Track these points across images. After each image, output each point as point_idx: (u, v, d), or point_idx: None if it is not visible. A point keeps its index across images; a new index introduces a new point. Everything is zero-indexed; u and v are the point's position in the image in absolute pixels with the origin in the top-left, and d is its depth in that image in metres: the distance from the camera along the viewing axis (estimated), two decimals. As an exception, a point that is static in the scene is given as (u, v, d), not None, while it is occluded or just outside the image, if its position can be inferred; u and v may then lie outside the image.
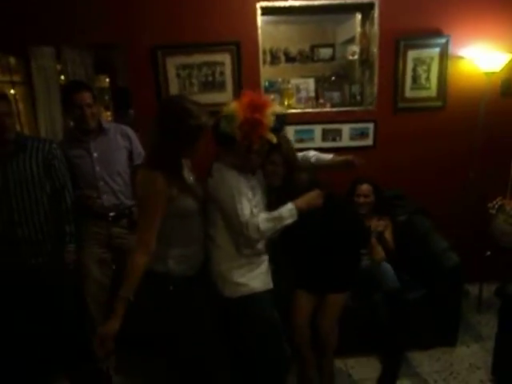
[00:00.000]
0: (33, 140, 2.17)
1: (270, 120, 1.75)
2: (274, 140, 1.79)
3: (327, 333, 2.20)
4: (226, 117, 1.75)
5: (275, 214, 1.81)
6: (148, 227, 1.61)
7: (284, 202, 1.86)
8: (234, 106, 1.75)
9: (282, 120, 1.87)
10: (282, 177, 1.98)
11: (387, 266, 2.49)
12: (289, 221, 1.81)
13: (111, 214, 2.28)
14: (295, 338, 2.19)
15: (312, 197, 1.90)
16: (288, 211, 1.81)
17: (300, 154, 2.08)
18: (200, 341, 1.79)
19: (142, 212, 1.66)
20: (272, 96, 3.06)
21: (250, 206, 1.79)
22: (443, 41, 2.93)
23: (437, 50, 2.95)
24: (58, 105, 2.82)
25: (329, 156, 2.05)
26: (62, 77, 2.94)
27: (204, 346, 1.81)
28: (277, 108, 1.84)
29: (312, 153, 2.10)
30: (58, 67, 2.92)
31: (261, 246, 1.90)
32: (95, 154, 2.24)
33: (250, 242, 1.82)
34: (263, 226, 1.76)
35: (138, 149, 2.38)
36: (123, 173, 2.31)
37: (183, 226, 1.74)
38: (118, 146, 2.32)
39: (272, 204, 1.94)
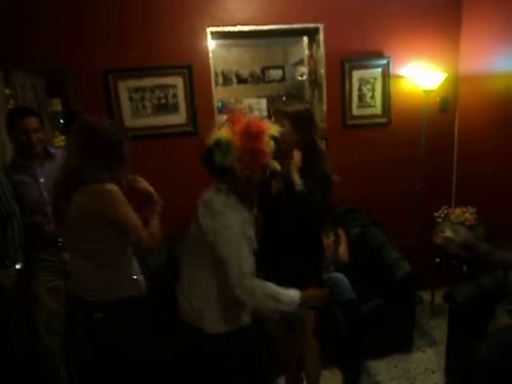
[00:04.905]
0: None
1: (270, 146, 1.58)
2: (278, 168, 1.63)
3: (302, 348, 2.11)
4: (219, 147, 1.57)
5: (275, 292, 1.62)
6: (137, 222, 1.65)
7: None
8: (225, 134, 1.57)
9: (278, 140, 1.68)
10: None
11: (342, 277, 2.56)
12: (284, 308, 1.65)
13: (61, 239, 2.23)
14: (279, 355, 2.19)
15: (319, 296, 1.75)
16: (290, 299, 1.63)
17: None
18: None
19: (124, 215, 1.62)
20: (225, 117, 3.13)
21: (251, 255, 1.64)
22: (384, 62, 3.12)
23: (379, 70, 3.13)
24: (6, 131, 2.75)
25: None
26: (12, 101, 2.88)
27: None
28: (273, 129, 1.64)
29: None
30: (7, 91, 2.86)
31: None
32: (42, 180, 2.20)
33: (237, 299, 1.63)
34: (259, 296, 1.59)
35: None
36: None
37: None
38: None
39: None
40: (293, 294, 1.64)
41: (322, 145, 1.97)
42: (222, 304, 1.67)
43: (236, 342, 1.71)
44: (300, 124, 1.86)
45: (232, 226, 1.59)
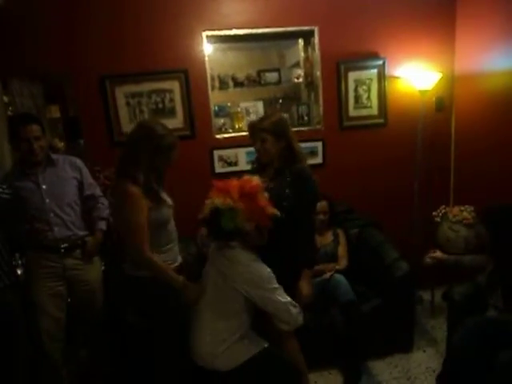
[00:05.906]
0: None
1: (266, 197, 1.82)
2: (279, 214, 1.82)
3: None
4: (223, 215, 1.74)
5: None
6: (136, 228, 1.79)
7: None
8: (225, 200, 1.74)
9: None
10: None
11: (341, 279, 2.57)
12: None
13: (63, 245, 2.24)
14: None
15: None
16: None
17: None
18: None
19: (126, 220, 1.82)
20: (222, 120, 3.16)
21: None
22: (380, 62, 3.14)
23: (374, 71, 3.15)
24: (6, 138, 2.76)
25: None
26: (10, 108, 2.90)
27: None
28: (259, 180, 1.85)
29: None
30: (6, 99, 2.88)
31: None
32: (44, 186, 2.20)
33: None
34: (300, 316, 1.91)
35: (88, 179, 2.37)
36: (74, 203, 2.28)
37: (160, 233, 1.90)
38: (68, 177, 2.29)
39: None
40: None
41: (299, 146, 2.12)
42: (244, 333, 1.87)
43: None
44: (279, 132, 2.02)
45: (263, 274, 1.81)
